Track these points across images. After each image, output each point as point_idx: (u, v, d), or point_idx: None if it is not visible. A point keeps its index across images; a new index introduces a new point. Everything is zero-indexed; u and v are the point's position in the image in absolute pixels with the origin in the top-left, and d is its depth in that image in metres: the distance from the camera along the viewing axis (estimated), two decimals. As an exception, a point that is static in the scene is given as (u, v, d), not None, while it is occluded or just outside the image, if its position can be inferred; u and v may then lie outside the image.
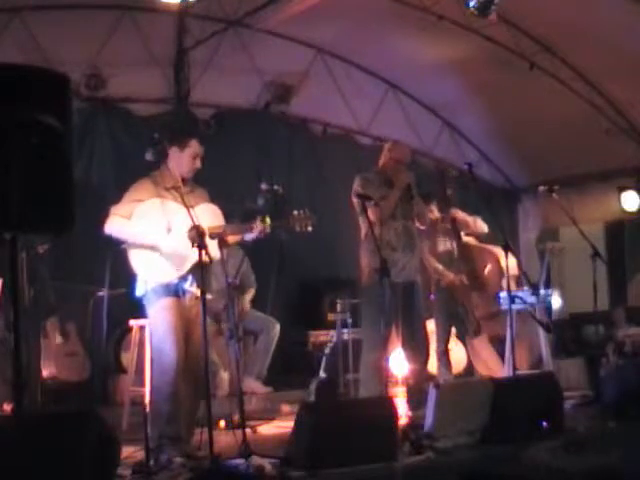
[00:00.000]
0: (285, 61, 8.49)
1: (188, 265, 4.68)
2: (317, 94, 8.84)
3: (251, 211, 5.61)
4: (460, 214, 6.93)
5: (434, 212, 7.02)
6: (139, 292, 4.75)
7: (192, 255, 4.62)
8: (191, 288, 4.72)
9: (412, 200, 6.04)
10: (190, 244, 4.59)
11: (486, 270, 6.90)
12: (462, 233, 6.99)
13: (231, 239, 4.95)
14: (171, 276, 4.69)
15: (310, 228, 4.98)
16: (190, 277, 4.70)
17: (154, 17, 7.34)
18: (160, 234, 4.68)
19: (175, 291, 4.70)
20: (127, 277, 4.84)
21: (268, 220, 4.90)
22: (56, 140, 3.25)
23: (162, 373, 4.65)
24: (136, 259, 4.70)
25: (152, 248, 4.66)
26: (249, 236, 4.92)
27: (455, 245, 6.98)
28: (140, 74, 7.67)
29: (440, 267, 6.92)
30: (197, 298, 4.74)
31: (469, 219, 6.96)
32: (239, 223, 5.08)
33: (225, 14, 7.41)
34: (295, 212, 4.96)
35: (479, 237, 7.16)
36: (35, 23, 6.95)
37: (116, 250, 4.81)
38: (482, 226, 7.00)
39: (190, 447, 4.63)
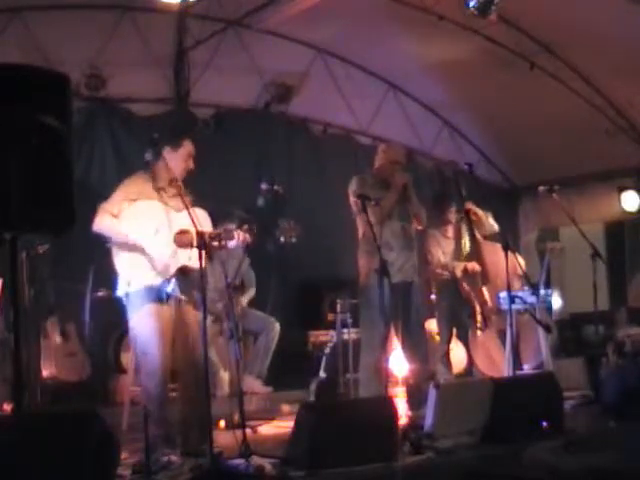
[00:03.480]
0: (285, 61, 8.50)
1: (172, 269, 4.67)
2: (317, 94, 8.84)
3: (244, 219, 5.61)
4: (474, 207, 6.90)
5: (453, 213, 6.99)
6: (120, 292, 4.73)
7: (177, 259, 4.64)
8: (174, 292, 4.71)
9: (409, 201, 6.03)
10: (176, 247, 4.61)
11: (497, 265, 6.85)
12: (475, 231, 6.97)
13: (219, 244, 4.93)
14: (155, 279, 4.67)
15: (294, 240, 4.98)
16: (173, 280, 4.70)
17: (154, 17, 7.34)
18: (147, 236, 4.65)
19: (158, 295, 4.68)
20: (114, 273, 4.81)
21: (254, 230, 4.89)
22: (56, 140, 3.26)
23: (149, 376, 4.66)
24: (120, 259, 4.68)
25: (137, 249, 4.64)
26: (231, 244, 4.89)
27: (468, 243, 6.97)
28: (140, 74, 7.67)
29: (448, 261, 6.90)
30: (180, 301, 4.75)
31: (481, 214, 6.93)
32: (229, 228, 5.04)
33: (225, 14, 7.41)
34: (282, 224, 4.96)
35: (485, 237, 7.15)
36: (35, 23, 6.95)
37: (104, 244, 4.79)
38: (493, 225, 6.96)
39: (198, 448, 4.58)
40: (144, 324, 4.67)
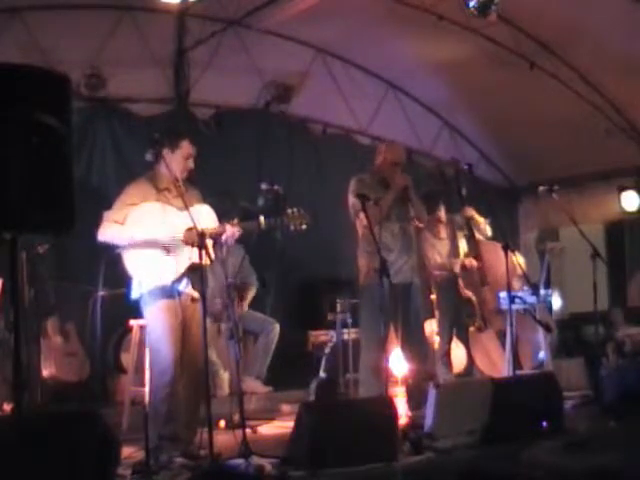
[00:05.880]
0: (285, 61, 8.49)
1: (182, 267, 4.68)
2: (317, 94, 8.84)
3: (249, 211, 5.60)
4: (475, 214, 6.91)
5: (442, 212, 6.98)
6: (134, 295, 4.75)
7: (186, 257, 4.63)
8: (186, 289, 4.72)
9: (409, 202, 6.01)
10: (184, 246, 4.61)
11: (496, 265, 6.85)
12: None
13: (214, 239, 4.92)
14: (166, 279, 4.68)
15: (304, 227, 4.96)
16: (185, 279, 4.70)
17: (154, 17, 7.34)
18: (156, 228, 4.66)
19: (170, 293, 4.70)
20: (126, 277, 4.83)
21: (262, 220, 4.87)
22: (56, 140, 3.25)
23: (160, 374, 4.66)
24: (131, 262, 4.68)
25: (146, 247, 4.64)
26: (223, 238, 4.84)
27: (464, 243, 6.98)
28: (140, 74, 7.66)
29: (445, 260, 6.91)
30: (192, 299, 4.75)
31: (481, 221, 6.95)
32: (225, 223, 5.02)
33: (225, 14, 7.40)
34: (289, 211, 4.94)
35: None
36: (35, 23, 6.94)
37: (113, 250, 4.80)
38: (488, 231, 7.00)
39: (193, 447, 4.63)
40: (157, 321, 4.69)
